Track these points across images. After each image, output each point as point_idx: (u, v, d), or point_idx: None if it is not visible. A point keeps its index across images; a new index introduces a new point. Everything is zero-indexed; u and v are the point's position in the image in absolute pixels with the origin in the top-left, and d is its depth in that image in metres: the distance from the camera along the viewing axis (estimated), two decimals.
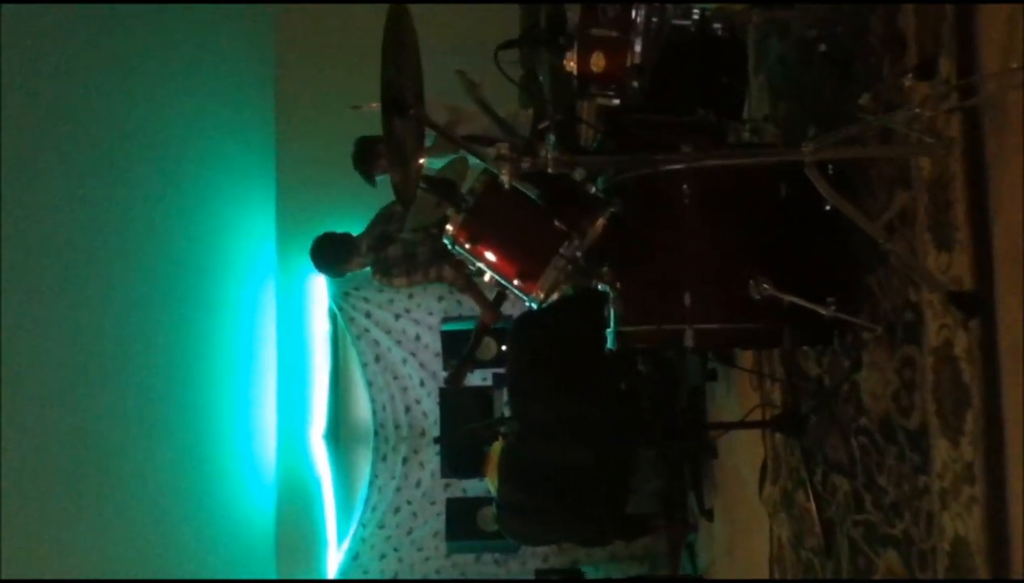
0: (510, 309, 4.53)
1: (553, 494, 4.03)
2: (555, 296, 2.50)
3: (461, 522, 5.77)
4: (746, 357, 3.44)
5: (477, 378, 5.51)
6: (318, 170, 6.02)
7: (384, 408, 6.12)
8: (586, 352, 3.34)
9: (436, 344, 5.98)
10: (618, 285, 2.54)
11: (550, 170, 2.05)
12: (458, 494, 5.83)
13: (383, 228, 4.69)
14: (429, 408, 6.05)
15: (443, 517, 5.90)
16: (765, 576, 3.44)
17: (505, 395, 4.93)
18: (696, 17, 2.54)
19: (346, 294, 6.07)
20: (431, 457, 5.94)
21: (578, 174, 2.35)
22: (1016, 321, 1.84)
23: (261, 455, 6.20)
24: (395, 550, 6.05)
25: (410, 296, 5.96)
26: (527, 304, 2.50)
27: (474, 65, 2.68)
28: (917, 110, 1.96)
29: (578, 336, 3.57)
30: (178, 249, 5.26)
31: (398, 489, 6.05)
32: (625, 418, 4.14)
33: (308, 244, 4.91)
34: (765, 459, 3.37)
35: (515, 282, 2.46)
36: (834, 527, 2.76)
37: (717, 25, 2.56)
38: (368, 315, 6.07)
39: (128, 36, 4.85)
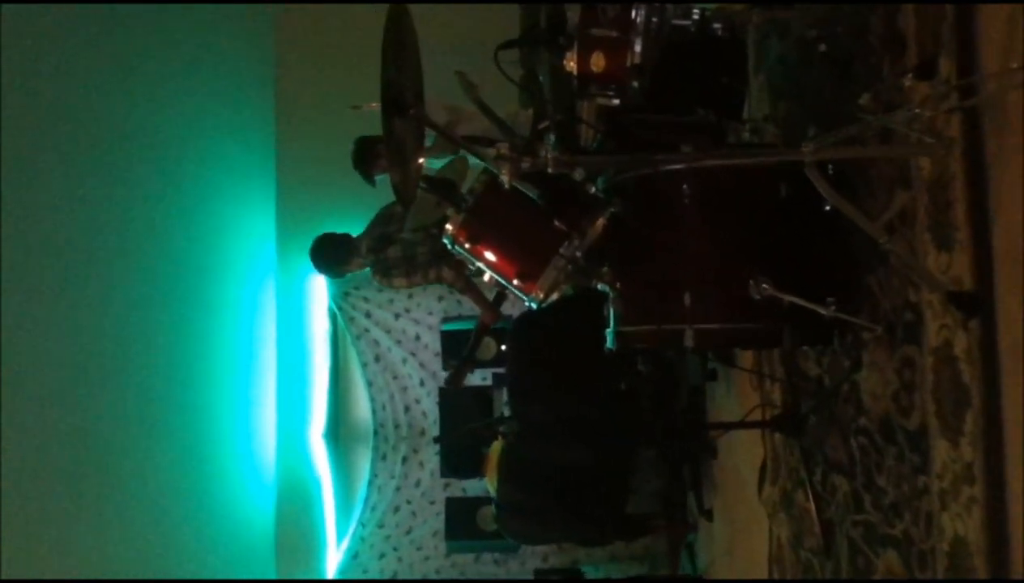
0: (510, 309, 4.54)
1: (553, 494, 4.03)
2: (555, 296, 2.50)
3: (460, 522, 5.78)
4: (746, 357, 3.44)
5: (477, 378, 5.51)
6: (318, 170, 6.02)
7: (384, 408, 6.12)
8: (586, 352, 3.34)
9: (436, 344, 5.99)
10: (618, 285, 2.54)
11: (550, 170, 2.05)
12: (457, 494, 5.84)
13: (382, 229, 4.69)
14: (429, 408, 6.05)
15: (442, 517, 5.91)
16: (765, 576, 3.44)
17: (505, 395, 4.93)
18: (696, 17, 2.54)
19: (346, 294, 6.07)
20: (431, 457, 5.95)
21: (578, 174, 2.35)
22: (1016, 321, 1.84)
23: (261, 455, 6.20)
24: (394, 549, 6.06)
25: (410, 296, 5.96)
26: (527, 304, 2.50)
27: (474, 65, 2.67)
28: (917, 110, 1.96)
29: (578, 336, 3.57)
30: (178, 249, 5.26)
31: (398, 488, 6.05)
32: (625, 418, 4.14)
33: (308, 244, 4.91)
34: (765, 459, 3.37)
35: (515, 282, 2.46)
36: (833, 527, 2.76)
37: (717, 25, 2.56)
38: (368, 315, 6.08)
39: (128, 36, 4.85)
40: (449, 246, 2.54)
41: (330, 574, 6.10)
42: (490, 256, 2.49)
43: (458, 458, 4.70)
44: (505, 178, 2.07)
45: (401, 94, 2.00)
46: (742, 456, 3.68)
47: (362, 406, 6.21)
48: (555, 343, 3.90)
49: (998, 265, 1.91)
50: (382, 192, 4.28)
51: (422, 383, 6.07)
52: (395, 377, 6.12)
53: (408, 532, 6.04)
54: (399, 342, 6.06)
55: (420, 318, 6.03)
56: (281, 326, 6.41)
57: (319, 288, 6.19)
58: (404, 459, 6.07)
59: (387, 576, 6.06)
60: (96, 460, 4.32)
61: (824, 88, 2.71)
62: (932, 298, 2.11)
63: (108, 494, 4.41)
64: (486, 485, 4.53)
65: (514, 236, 2.49)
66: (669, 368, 4.34)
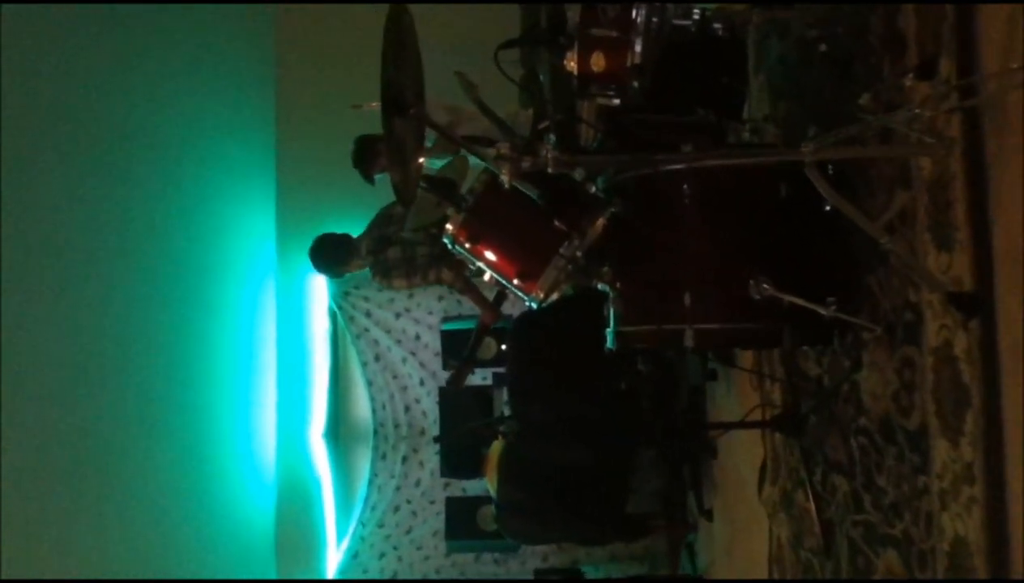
0: (510, 309, 4.54)
1: (553, 493, 4.03)
2: (555, 296, 2.50)
3: (461, 521, 5.78)
4: (746, 357, 3.44)
5: (477, 377, 5.51)
6: (318, 170, 6.02)
7: (384, 407, 6.13)
8: (586, 352, 3.34)
9: (436, 343, 5.99)
10: (618, 285, 2.54)
11: (550, 170, 2.05)
12: (458, 493, 5.84)
13: (382, 230, 4.69)
14: (429, 407, 6.05)
15: (442, 516, 5.91)
16: (765, 576, 3.44)
17: (505, 394, 4.93)
18: (696, 17, 2.54)
19: (346, 293, 6.07)
20: (431, 456, 5.95)
21: (578, 174, 2.35)
22: (1016, 321, 1.84)
23: (261, 454, 6.20)
24: (394, 549, 6.06)
25: (410, 295, 5.96)
26: (527, 304, 2.50)
27: (474, 65, 2.67)
28: (917, 110, 1.96)
29: (578, 336, 3.57)
30: (178, 249, 5.26)
31: (398, 488, 6.05)
32: (625, 418, 4.13)
33: (308, 244, 4.91)
34: (765, 459, 3.37)
35: (515, 282, 2.46)
36: (833, 527, 2.76)
37: (717, 25, 2.56)
38: (368, 314, 6.08)
39: (128, 36, 4.85)
40: (449, 246, 2.54)
41: (330, 574, 6.10)
42: (490, 256, 2.49)
43: (458, 459, 4.70)
44: (505, 178, 2.07)
45: (401, 93, 2.00)
46: (742, 456, 3.68)
47: (362, 405, 6.21)
48: (555, 343, 3.90)
49: (998, 265, 1.91)
50: (382, 192, 4.28)
51: (422, 383, 6.07)
52: (395, 376, 6.12)
53: (408, 532, 6.05)
54: (399, 341, 6.06)
55: (420, 317, 6.04)
56: (281, 326, 6.41)
57: (319, 287, 6.19)
58: (404, 458, 6.07)
59: (387, 576, 6.06)
60: (96, 460, 4.32)
61: (824, 88, 2.71)
62: (932, 298, 2.11)
63: (108, 494, 4.41)
64: (486, 485, 4.53)
65: (514, 236, 2.49)
66: (669, 368, 4.34)
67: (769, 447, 3.34)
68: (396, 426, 6.11)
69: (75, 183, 4.31)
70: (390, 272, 4.66)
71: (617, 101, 2.57)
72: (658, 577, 5.44)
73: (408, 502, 6.05)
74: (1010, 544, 1.88)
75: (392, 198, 3.23)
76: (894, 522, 2.35)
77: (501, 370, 5.29)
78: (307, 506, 6.23)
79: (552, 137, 3.36)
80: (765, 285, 2.31)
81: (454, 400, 5.71)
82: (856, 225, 2.03)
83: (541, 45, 2.88)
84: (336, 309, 6.12)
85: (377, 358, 6.12)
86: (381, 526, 6.05)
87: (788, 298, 2.29)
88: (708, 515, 4.31)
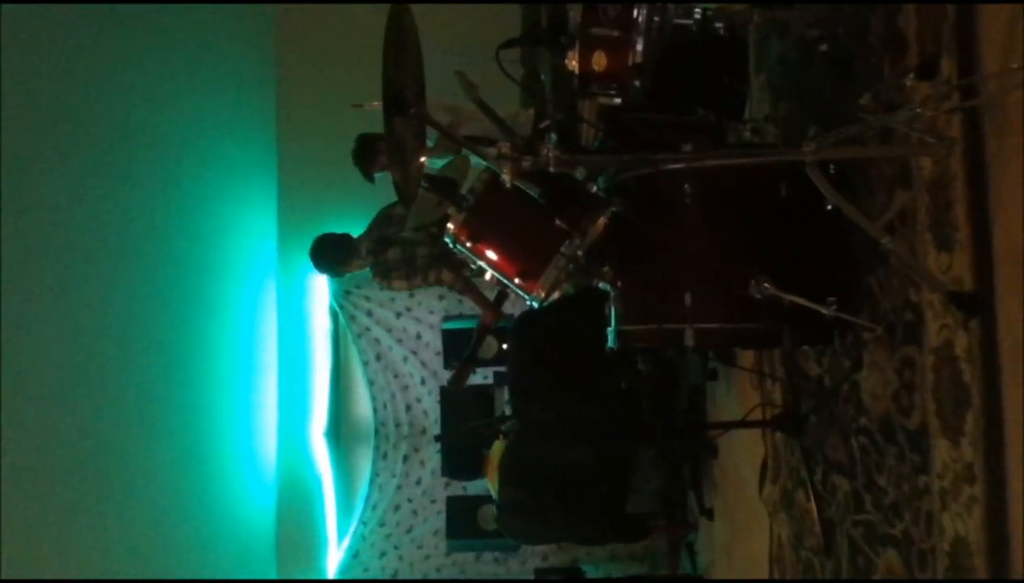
0: (511, 308, 4.54)
1: (554, 493, 4.03)
2: (556, 295, 2.50)
3: (461, 520, 5.79)
4: (746, 357, 3.44)
5: (478, 376, 5.52)
6: (319, 169, 6.03)
7: (385, 406, 6.13)
8: (587, 351, 3.34)
9: (437, 342, 6.00)
10: (619, 284, 2.54)
11: (551, 169, 2.05)
12: (458, 492, 5.84)
13: (382, 231, 4.69)
14: (430, 406, 6.06)
15: (443, 515, 5.91)
16: (765, 576, 3.44)
17: (506, 393, 4.93)
18: (698, 16, 2.53)
19: (347, 292, 6.08)
20: (432, 455, 5.95)
21: (579, 173, 2.35)
22: (1016, 321, 1.84)
23: (262, 453, 6.21)
24: (395, 548, 6.06)
25: (411, 295, 5.97)
26: (528, 303, 2.50)
27: (475, 65, 2.67)
28: (918, 110, 1.96)
29: (579, 335, 3.57)
30: (178, 249, 5.26)
31: (399, 487, 6.06)
32: (625, 417, 4.13)
33: (309, 243, 4.92)
34: (765, 459, 3.37)
35: (516, 281, 2.46)
36: (834, 527, 2.76)
37: (718, 24, 2.56)
38: (369, 313, 6.08)
39: (128, 36, 4.85)
40: (450, 245, 2.54)
41: (331, 573, 6.11)
42: (491, 255, 2.49)
43: (459, 460, 4.70)
44: (506, 177, 2.07)
45: (402, 93, 2.00)
46: (742, 455, 3.68)
47: (363, 405, 6.21)
48: (556, 342, 3.90)
49: (998, 265, 1.91)
50: (383, 192, 4.29)
51: (423, 382, 6.07)
52: (396, 376, 6.12)
53: (409, 530, 6.05)
54: (400, 341, 6.07)
55: (421, 317, 6.04)
56: (282, 325, 6.41)
57: (320, 287, 6.19)
58: (405, 458, 6.07)
59: (388, 575, 6.06)
60: (96, 460, 4.32)
61: (825, 88, 2.71)
62: (932, 298, 2.11)
63: (108, 494, 4.41)
64: (487, 485, 4.53)
65: (515, 235, 2.49)
66: (669, 367, 4.34)
67: (769, 447, 3.34)
68: (397, 425, 6.11)
69: (75, 183, 4.31)
70: (390, 273, 4.66)
71: (618, 100, 2.57)
72: (658, 577, 5.45)
73: (409, 501, 6.06)
74: (1010, 544, 1.88)
75: (392, 198, 3.23)
76: (894, 522, 2.35)
77: (502, 369, 5.30)
78: (308, 505, 6.23)
79: (553, 136, 3.36)
80: (766, 284, 2.31)
81: (455, 399, 5.71)
82: (856, 225, 2.03)
83: (542, 44, 2.87)
84: (337, 308, 6.13)
85: (378, 357, 6.12)
86: (382, 525, 6.06)
87: (788, 298, 2.29)
88: (708, 515, 4.31)
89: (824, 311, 2.25)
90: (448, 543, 5.92)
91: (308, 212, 5.97)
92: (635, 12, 2.43)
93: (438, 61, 2.51)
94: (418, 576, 6.04)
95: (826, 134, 2.04)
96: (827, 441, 2.77)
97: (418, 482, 6.06)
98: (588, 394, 3.97)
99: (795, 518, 3.11)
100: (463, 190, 2.61)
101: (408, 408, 6.12)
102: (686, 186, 2.41)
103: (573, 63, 2.50)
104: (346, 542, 6.10)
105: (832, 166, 2.24)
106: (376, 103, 2.00)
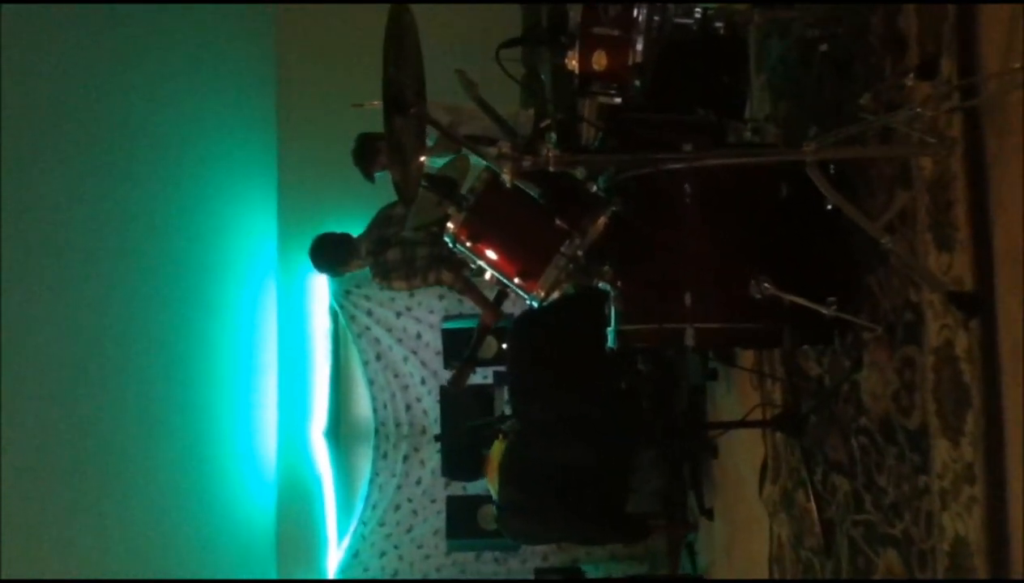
0: (511, 308, 4.54)
1: (554, 493, 4.03)
2: (556, 295, 2.50)
3: (461, 520, 5.78)
4: (746, 357, 3.44)
5: (478, 376, 5.51)
6: (319, 169, 6.03)
7: (385, 406, 6.13)
8: (587, 351, 3.33)
9: (437, 342, 6.00)
10: (619, 284, 2.54)
11: (551, 168, 2.05)
12: (458, 492, 5.84)
13: (382, 231, 4.69)
14: (430, 406, 6.06)
15: (443, 515, 5.91)
16: (765, 576, 3.44)
17: (506, 393, 4.93)
18: (698, 16, 2.53)
19: (347, 292, 6.08)
20: (432, 455, 5.95)
21: (579, 173, 2.35)
22: (1016, 321, 1.84)
23: (262, 453, 6.21)
24: (395, 548, 6.06)
25: (411, 294, 5.97)
26: (528, 303, 2.50)
27: (475, 64, 2.67)
28: (918, 110, 1.96)
29: (579, 335, 3.57)
30: (178, 249, 5.26)
31: (399, 487, 6.06)
32: (625, 417, 4.13)
33: (309, 243, 4.92)
34: (765, 459, 3.37)
35: (516, 280, 2.46)
36: (834, 527, 2.76)
37: (719, 24, 2.56)
38: (369, 313, 6.08)
39: (128, 36, 4.85)
40: (450, 245, 2.54)
41: (331, 573, 6.11)
42: (491, 255, 2.48)
43: (459, 460, 4.70)
44: (506, 177, 2.07)
45: (402, 92, 2.00)
46: (742, 455, 3.68)
47: (363, 404, 6.22)
48: (556, 342, 3.89)
49: (999, 265, 1.91)
50: (383, 192, 4.29)
51: (423, 381, 6.07)
52: (396, 375, 6.12)
53: (409, 530, 6.05)
54: (400, 340, 6.07)
55: (421, 316, 6.04)
56: (282, 325, 6.42)
57: (320, 286, 6.19)
58: (405, 457, 6.08)
59: (388, 574, 6.06)
60: (96, 460, 4.33)
61: (825, 88, 2.71)
62: (933, 298, 2.11)
63: (108, 493, 4.41)
64: (487, 485, 4.53)
65: (515, 235, 2.49)
66: (669, 367, 4.34)
67: (769, 446, 3.34)
68: (397, 425, 6.11)
69: (75, 183, 4.31)
70: (389, 274, 4.66)
71: (618, 100, 2.57)
72: (658, 577, 5.45)
73: (409, 501, 6.06)
74: (1010, 544, 1.88)
75: (392, 198, 3.23)
76: (894, 522, 2.35)
77: (502, 369, 5.29)
78: (308, 505, 6.24)
79: (553, 136, 3.37)
80: (766, 284, 2.31)
81: (455, 399, 5.71)
82: (856, 225, 2.03)
83: (542, 44, 2.87)
84: (337, 308, 6.13)
85: (378, 357, 6.13)
86: (382, 525, 6.06)
87: (789, 297, 2.29)
88: (708, 514, 4.31)
89: (824, 311, 2.25)
90: (448, 543, 5.92)
91: (308, 212, 5.97)
92: (635, 11, 2.43)
93: (438, 61, 2.51)
94: (418, 576, 6.04)
95: (826, 134, 2.04)
96: (827, 441, 2.77)
97: (418, 482, 6.06)
98: (588, 394, 3.97)
99: (795, 518, 3.11)
100: (463, 190, 2.61)
101: (408, 408, 6.12)
102: (686, 186, 2.40)
103: (573, 63, 2.49)
104: (346, 542, 6.10)
105: (832, 166, 2.24)
106: (376, 103, 2.00)
